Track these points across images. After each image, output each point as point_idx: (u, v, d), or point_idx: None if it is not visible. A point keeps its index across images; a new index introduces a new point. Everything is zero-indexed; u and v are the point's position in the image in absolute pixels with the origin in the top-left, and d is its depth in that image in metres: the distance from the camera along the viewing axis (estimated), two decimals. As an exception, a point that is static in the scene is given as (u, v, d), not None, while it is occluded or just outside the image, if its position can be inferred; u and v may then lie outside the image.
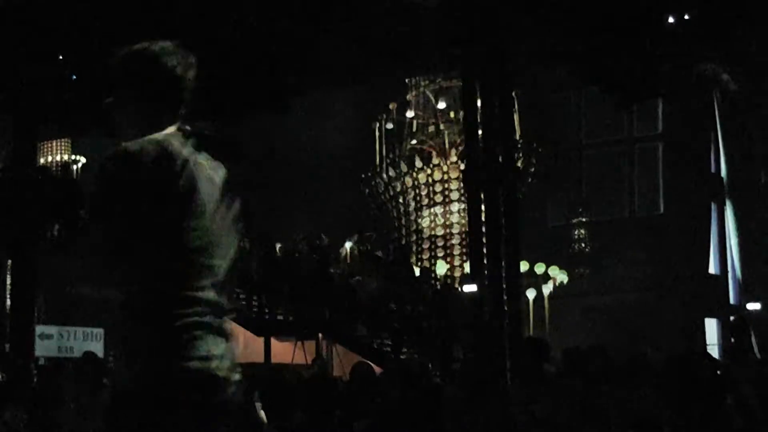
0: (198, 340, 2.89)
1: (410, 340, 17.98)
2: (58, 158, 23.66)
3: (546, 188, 22.89)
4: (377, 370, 11.93)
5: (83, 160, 24.07)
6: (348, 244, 21.04)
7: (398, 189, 24.40)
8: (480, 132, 14.41)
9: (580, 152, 24.35)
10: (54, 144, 23.81)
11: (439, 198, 23.93)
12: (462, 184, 23.15)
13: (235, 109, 19.39)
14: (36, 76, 15.41)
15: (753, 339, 18.44)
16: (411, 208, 24.44)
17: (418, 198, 24.27)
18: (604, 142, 24.13)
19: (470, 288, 14.93)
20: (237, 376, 3.05)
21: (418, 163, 24.08)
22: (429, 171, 23.97)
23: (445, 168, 23.75)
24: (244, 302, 19.57)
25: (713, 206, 22.36)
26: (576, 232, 23.43)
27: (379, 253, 20.99)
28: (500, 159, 14.27)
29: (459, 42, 14.98)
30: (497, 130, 14.37)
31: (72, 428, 10.64)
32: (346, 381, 11.86)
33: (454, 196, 23.67)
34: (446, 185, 23.83)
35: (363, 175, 24.19)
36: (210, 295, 2.99)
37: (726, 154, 22.29)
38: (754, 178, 21.87)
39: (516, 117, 14.64)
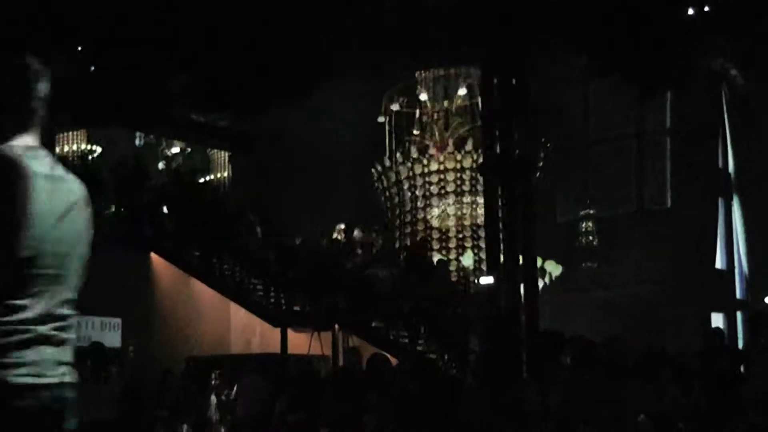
0: (10, 349, 2.95)
1: (426, 331, 17.99)
2: (74, 147, 23.75)
3: (554, 183, 22.82)
4: (393, 361, 11.97)
5: (99, 149, 24.16)
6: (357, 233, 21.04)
7: (393, 181, 24.25)
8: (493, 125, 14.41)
9: (588, 147, 24.29)
10: (70, 134, 23.89)
11: (420, 192, 23.83)
12: (442, 178, 23.18)
13: (251, 101, 19.48)
14: (54, 68, 15.47)
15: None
16: (396, 201, 24.30)
17: (401, 192, 24.15)
18: (612, 136, 24.10)
19: (487, 280, 14.95)
20: (60, 379, 3.10)
21: (399, 158, 24.01)
22: (410, 165, 23.89)
23: (425, 161, 23.64)
24: (261, 293, 19.66)
25: (721, 201, 22.31)
26: (584, 226, 23.37)
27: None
28: (517, 152, 14.28)
29: (477, 33, 14.98)
30: (513, 122, 14.37)
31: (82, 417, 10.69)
32: (362, 372, 11.87)
33: (434, 190, 23.61)
34: (427, 179, 23.75)
35: (373, 170, 24.07)
36: (37, 303, 3.05)
37: (734, 150, 22.22)
38: (762, 173, 21.81)
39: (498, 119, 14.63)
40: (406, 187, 24.04)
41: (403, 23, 16.27)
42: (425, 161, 23.69)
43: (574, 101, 24.16)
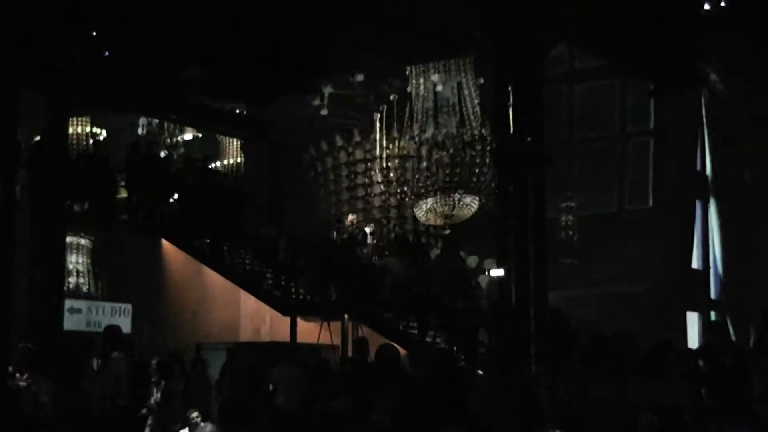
0: None
1: (436, 323, 17.99)
2: (79, 130, 23.64)
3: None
4: (402, 352, 11.97)
5: (104, 133, 24.12)
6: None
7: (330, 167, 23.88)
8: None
9: (572, 147, 24.34)
10: (74, 118, 23.74)
11: (361, 179, 23.55)
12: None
13: (266, 90, 19.49)
14: (69, 54, 15.50)
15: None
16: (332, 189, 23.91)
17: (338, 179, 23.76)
18: (595, 137, 24.29)
19: (497, 272, 14.93)
20: None
21: (338, 141, 23.65)
22: (350, 150, 23.61)
23: (367, 147, 23.36)
24: (271, 282, 19.68)
25: (698, 203, 22.71)
26: (563, 220, 23.33)
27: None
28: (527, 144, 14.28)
29: (490, 27, 14.94)
30: (525, 117, 14.36)
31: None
32: (371, 362, 11.88)
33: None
34: (367, 165, 23.50)
35: (364, 165, 23.85)
36: None
37: (711, 153, 22.54)
38: (737, 176, 22.11)
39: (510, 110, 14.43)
40: (345, 173, 23.76)
41: (416, 13, 16.25)
42: (367, 147, 23.28)
43: (559, 101, 24.17)
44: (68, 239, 20.54)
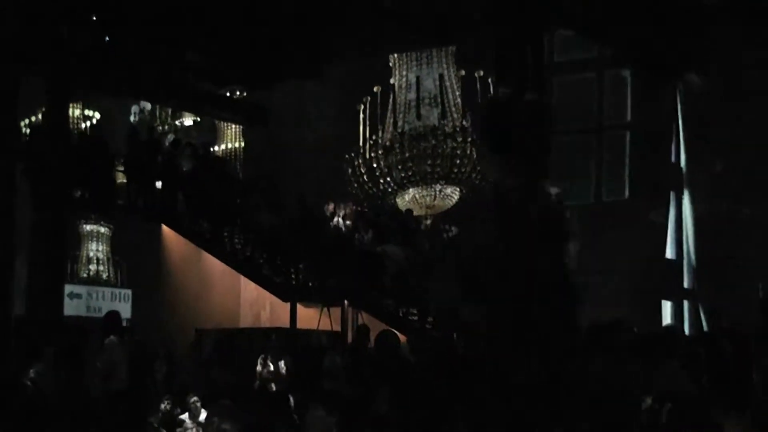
0: None
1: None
2: (74, 113, 23.54)
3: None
4: (402, 338, 11.97)
5: (97, 116, 24.01)
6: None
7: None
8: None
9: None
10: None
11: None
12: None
13: (268, 74, 19.44)
14: (70, 38, 15.46)
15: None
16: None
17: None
18: (572, 129, 24.50)
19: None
20: None
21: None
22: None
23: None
24: (271, 268, 19.65)
25: (672, 195, 23.00)
26: None
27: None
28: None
29: (495, 18, 14.88)
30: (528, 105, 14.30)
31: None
32: (370, 348, 11.88)
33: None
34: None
35: (347, 156, 23.81)
36: None
37: (686, 146, 22.83)
38: (710, 169, 22.37)
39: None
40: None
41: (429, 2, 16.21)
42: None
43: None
44: (88, 227, 20.72)
